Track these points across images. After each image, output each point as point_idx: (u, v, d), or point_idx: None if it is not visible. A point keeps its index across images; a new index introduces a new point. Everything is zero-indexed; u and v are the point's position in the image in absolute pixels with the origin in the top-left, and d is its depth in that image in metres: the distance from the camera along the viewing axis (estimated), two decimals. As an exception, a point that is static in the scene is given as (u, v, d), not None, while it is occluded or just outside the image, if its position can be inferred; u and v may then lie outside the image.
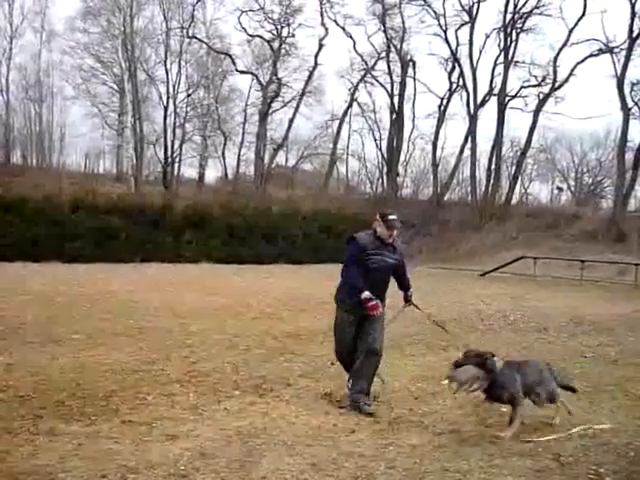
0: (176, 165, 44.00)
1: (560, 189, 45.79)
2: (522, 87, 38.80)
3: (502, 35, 38.07)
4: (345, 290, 5.83)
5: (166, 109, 41.40)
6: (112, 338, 8.62)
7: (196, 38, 41.56)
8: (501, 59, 38.31)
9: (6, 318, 9.96)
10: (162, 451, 4.27)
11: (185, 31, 41.11)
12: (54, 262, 23.03)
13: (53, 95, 44.52)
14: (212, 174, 51.56)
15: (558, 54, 36.65)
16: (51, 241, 24.04)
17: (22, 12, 43.23)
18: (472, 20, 38.60)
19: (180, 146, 42.87)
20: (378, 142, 45.46)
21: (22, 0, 57.23)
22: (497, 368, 4.81)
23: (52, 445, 4.34)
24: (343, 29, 42.80)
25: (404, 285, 6.25)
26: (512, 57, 38.03)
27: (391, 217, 5.79)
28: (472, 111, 39.03)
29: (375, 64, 43.69)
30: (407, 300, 6.32)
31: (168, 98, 41.44)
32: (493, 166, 38.91)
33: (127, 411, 5.23)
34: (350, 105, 44.97)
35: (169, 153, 41.83)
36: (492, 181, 38.84)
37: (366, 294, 5.44)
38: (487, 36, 38.98)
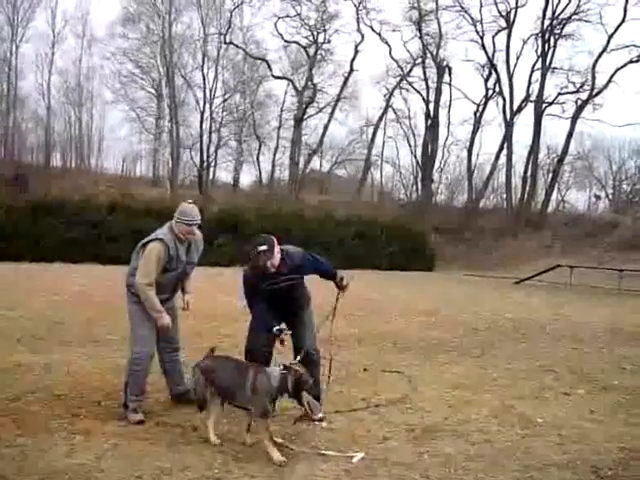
0: (211, 169, 44.51)
1: (598, 197, 45.08)
2: (560, 94, 38.46)
3: (540, 41, 37.77)
4: None
5: (202, 114, 41.89)
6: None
7: (233, 44, 42.00)
8: (538, 65, 38.01)
9: (45, 318, 10.15)
10: (196, 453, 4.29)
11: (222, 37, 41.60)
12: (92, 263, 23.41)
13: (93, 99, 45.51)
14: (247, 179, 52.09)
15: (597, 60, 36.24)
16: (89, 243, 24.46)
17: (64, 18, 44.23)
18: (509, 26, 38.34)
19: (215, 150, 43.31)
20: (413, 148, 45.41)
21: (64, 6, 58.57)
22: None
23: (88, 444, 4.39)
24: (379, 35, 42.93)
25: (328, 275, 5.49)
26: (550, 63, 37.67)
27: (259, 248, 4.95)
28: (508, 118, 38.72)
29: (411, 70, 43.68)
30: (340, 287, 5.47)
31: (205, 103, 41.95)
32: (529, 173, 38.51)
33: (161, 413, 5.27)
34: (385, 111, 44.97)
35: (205, 157, 42.28)
36: (528, 188, 38.44)
37: None
38: (524, 42, 38.78)
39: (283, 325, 5.18)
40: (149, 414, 5.18)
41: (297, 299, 5.38)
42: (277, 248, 5.04)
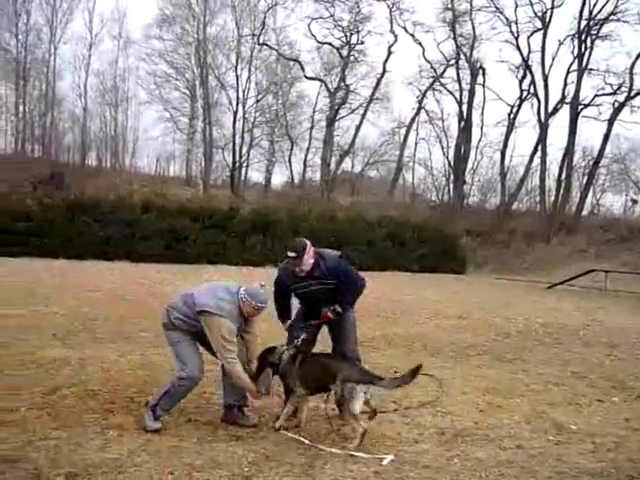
0: (243, 169, 44.74)
1: (635, 201, 44.14)
2: (596, 95, 37.85)
3: (576, 42, 37.23)
4: None
5: (235, 114, 42.15)
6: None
7: (266, 45, 42.22)
8: (574, 66, 37.44)
9: (79, 314, 10.31)
10: (227, 451, 4.32)
11: (256, 38, 41.83)
12: (125, 261, 23.72)
13: (128, 100, 46.07)
14: (278, 179, 52.19)
15: (635, 61, 35.56)
16: (122, 241, 24.79)
17: (101, 20, 44.89)
18: (545, 27, 37.87)
19: (248, 151, 43.57)
20: (445, 150, 45.14)
21: (102, 8, 59.48)
22: (285, 358, 4.99)
23: (121, 439, 4.45)
24: (412, 36, 42.78)
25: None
26: (586, 64, 37.09)
27: (289, 253, 5.09)
28: (543, 119, 38.24)
29: (444, 71, 43.46)
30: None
31: (238, 103, 42.22)
32: (564, 176, 37.97)
33: (193, 410, 5.32)
34: (418, 112, 44.79)
35: (237, 157, 42.54)
36: (562, 191, 37.91)
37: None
38: (560, 43, 38.26)
39: (303, 335, 5.23)
40: (181, 411, 5.23)
41: (330, 302, 5.30)
42: (310, 253, 5.06)
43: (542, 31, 38.09)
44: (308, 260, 5.05)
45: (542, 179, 38.91)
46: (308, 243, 5.09)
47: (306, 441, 4.59)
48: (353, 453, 4.38)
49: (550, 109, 38.39)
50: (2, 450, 4.09)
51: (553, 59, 38.59)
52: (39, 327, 8.95)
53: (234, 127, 42.33)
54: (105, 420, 4.88)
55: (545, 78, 38.10)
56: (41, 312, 10.48)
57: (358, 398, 4.61)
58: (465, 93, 42.46)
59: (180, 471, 3.93)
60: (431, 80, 43.85)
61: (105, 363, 6.79)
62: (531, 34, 38.91)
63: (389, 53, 43.00)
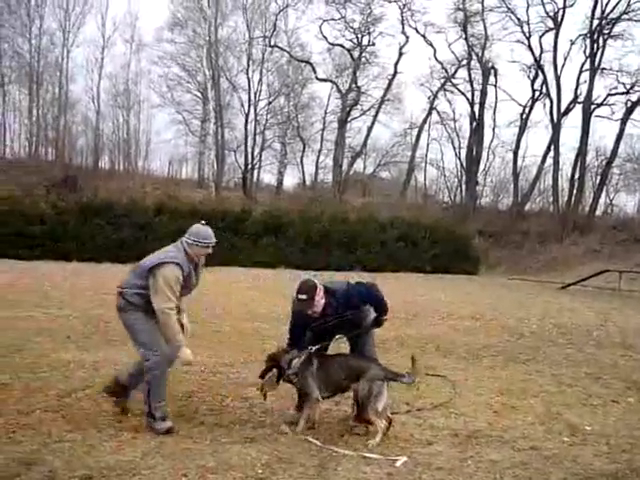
0: (255, 171, 44.80)
1: (648, 201, 43.84)
2: (609, 95, 37.59)
3: (588, 41, 36.97)
4: None
5: (247, 116, 42.22)
6: (191, 340, 8.75)
7: (278, 47, 42.24)
8: (587, 66, 37.18)
9: (92, 317, 10.37)
10: (240, 453, 4.33)
11: (267, 40, 41.87)
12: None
13: (140, 103, 46.25)
14: (290, 181, 52.17)
15: (648, 60, 35.26)
16: (135, 244, 24.84)
17: (114, 24, 45.16)
18: (557, 26, 37.66)
19: (260, 153, 43.63)
20: (457, 150, 44.99)
21: (114, 12, 59.79)
22: (294, 364, 4.97)
23: (135, 442, 4.47)
24: (424, 37, 42.65)
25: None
26: (599, 64, 36.83)
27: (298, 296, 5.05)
28: (555, 119, 38.04)
29: (456, 72, 43.32)
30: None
31: (249, 105, 42.27)
32: (577, 176, 37.74)
33: (206, 412, 5.34)
34: (429, 113, 44.69)
35: (249, 159, 42.61)
36: (575, 191, 37.67)
37: None
38: (572, 42, 37.99)
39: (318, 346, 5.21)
40: (194, 414, 5.25)
41: (351, 329, 5.31)
42: (320, 294, 5.03)
43: (554, 31, 37.88)
44: (319, 301, 5.02)
45: (555, 179, 38.70)
46: (317, 283, 5.07)
47: (319, 443, 4.59)
48: (366, 455, 4.38)
49: (562, 109, 38.17)
50: (18, 452, 4.13)
51: (565, 59, 38.36)
52: (53, 330, 9.01)
53: (246, 129, 42.42)
54: (119, 423, 4.91)
55: (557, 78, 37.90)
56: (54, 315, 10.56)
57: (384, 396, 4.78)
58: (477, 93, 42.30)
59: (193, 473, 3.94)
60: (443, 81, 43.74)
61: (118, 365, 6.81)
62: (543, 34, 38.73)
63: (400, 54, 42.95)
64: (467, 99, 42.86)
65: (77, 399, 5.49)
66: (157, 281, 4.73)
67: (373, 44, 43.19)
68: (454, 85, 43.67)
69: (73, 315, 10.48)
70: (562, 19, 37.67)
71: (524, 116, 41.23)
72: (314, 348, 5.11)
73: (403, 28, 42.64)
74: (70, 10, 42.04)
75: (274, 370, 5.02)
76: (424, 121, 45.00)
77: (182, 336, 4.78)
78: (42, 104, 42.92)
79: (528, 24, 38.79)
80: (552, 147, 38.46)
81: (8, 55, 40.49)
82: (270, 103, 43.68)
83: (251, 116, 42.32)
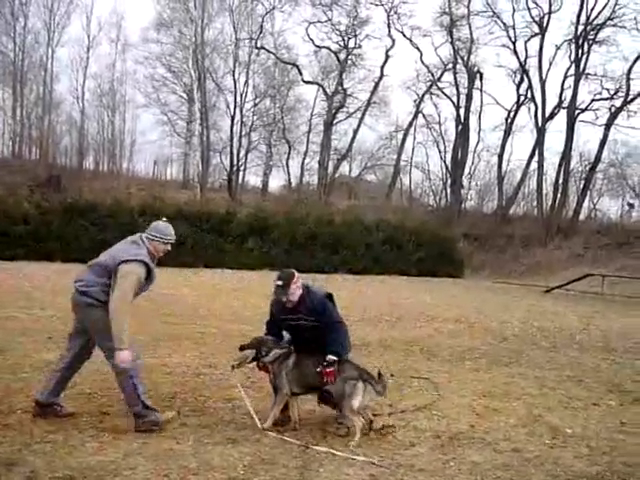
0: (241, 173, 44.76)
1: (631, 205, 44.18)
2: (593, 100, 37.90)
3: (573, 47, 37.32)
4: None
5: (233, 118, 42.13)
6: (175, 341, 8.81)
7: (264, 49, 42.23)
8: (571, 71, 37.53)
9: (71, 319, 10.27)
10: (222, 454, 4.32)
11: (254, 42, 41.82)
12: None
13: (125, 103, 46.06)
14: (276, 183, 52.19)
15: (632, 66, 35.66)
16: (119, 245, 24.72)
17: (99, 23, 44.93)
18: (542, 31, 37.97)
19: (245, 154, 43.59)
20: (443, 154, 45.19)
21: (99, 12, 59.61)
22: (271, 354, 5.07)
23: (117, 442, 4.45)
24: (410, 40, 42.84)
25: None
26: (583, 69, 37.15)
27: (276, 282, 5.13)
28: (540, 124, 38.32)
29: (441, 75, 43.59)
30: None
31: (235, 107, 42.18)
32: (561, 180, 38.03)
33: (188, 413, 5.32)
34: (415, 116, 44.88)
35: (234, 161, 42.53)
36: (559, 195, 37.97)
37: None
38: (557, 48, 38.32)
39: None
40: (177, 415, 5.23)
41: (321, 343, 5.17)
42: (297, 284, 5.09)
43: (539, 36, 38.17)
44: (295, 290, 5.08)
45: (539, 183, 38.97)
46: (296, 274, 5.14)
47: (301, 443, 4.59)
48: (349, 456, 4.39)
49: (547, 114, 38.45)
50: (0, 453, 4.10)
51: (550, 64, 38.66)
52: (35, 330, 8.94)
53: (232, 131, 42.33)
54: (101, 423, 4.89)
55: (542, 83, 38.19)
56: (37, 315, 10.49)
57: (358, 395, 4.83)
58: (462, 97, 42.55)
59: (175, 474, 3.93)
60: (428, 84, 43.94)
61: (101, 366, 6.75)
62: (528, 39, 39.01)
63: (387, 57, 43.13)
64: (453, 103, 43.13)
65: (58, 400, 5.44)
66: (121, 277, 4.70)
67: (359, 47, 43.38)
68: (440, 89, 43.91)
69: (56, 315, 10.39)
70: (547, 24, 38.02)
71: (509, 120, 41.53)
72: (287, 340, 5.21)
73: (389, 31, 42.87)
74: (55, 9, 41.85)
75: (252, 351, 5.13)
76: (410, 124, 45.18)
77: (127, 339, 4.64)
78: (26, 103, 42.64)
79: (514, 29, 39.11)
80: (537, 151, 38.73)
81: (-8, 54, 40.21)
82: (256, 105, 43.65)
83: (237, 118, 42.28)
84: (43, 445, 4.30)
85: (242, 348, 5.20)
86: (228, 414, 5.36)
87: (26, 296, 12.89)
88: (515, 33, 39.12)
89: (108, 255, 4.94)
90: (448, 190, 44.18)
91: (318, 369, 4.90)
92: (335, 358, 4.93)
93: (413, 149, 47.38)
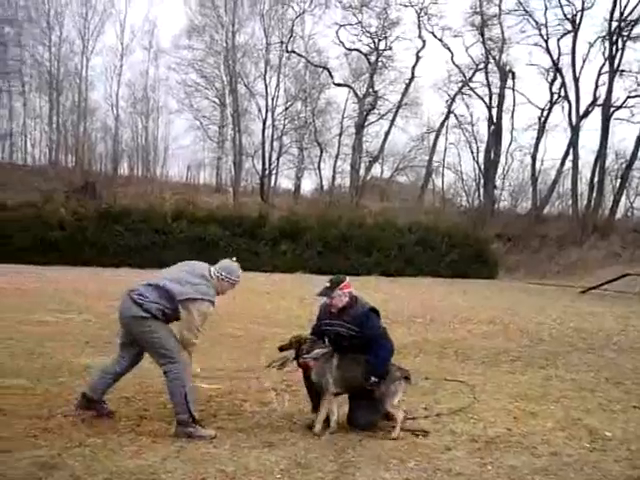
0: (273, 177, 44.94)
1: (669, 203, 43.34)
2: (628, 97, 37.29)
3: (607, 43, 36.70)
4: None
5: (264, 122, 42.34)
6: (209, 345, 8.86)
7: (295, 52, 42.38)
8: (606, 68, 36.92)
9: (111, 321, 10.39)
10: (259, 458, 4.34)
11: (284, 46, 42.01)
12: (156, 269, 23.89)
13: (159, 109, 46.59)
14: (308, 186, 52.29)
15: (668, 62, 34.92)
16: (154, 249, 25.04)
17: (132, 31, 45.57)
18: (575, 29, 37.43)
19: (277, 158, 43.78)
20: (475, 154, 44.83)
21: (132, 20, 60.44)
22: (313, 353, 5.07)
23: (155, 446, 4.50)
24: (441, 41, 42.62)
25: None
26: (618, 66, 36.55)
27: (325, 283, 5.24)
28: (574, 122, 37.77)
29: (473, 75, 43.23)
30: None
31: (267, 111, 42.41)
32: (596, 179, 37.43)
33: (225, 417, 5.36)
34: (447, 117, 44.63)
35: (266, 165, 42.74)
36: (595, 194, 37.37)
37: None
38: (591, 45, 37.75)
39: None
40: (213, 418, 5.28)
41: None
42: (344, 290, 5.13)
43: (572, 33, 37.65)
44: (341, 297, 5.12)
45: (574, 183, 38.38)
46: (347, 281, 5.20)
47: (337, 447, 4.59)
48: (388, 460, 4.37)
49: (581, 112, 37.89)
50: (40, 457, 4.16)
51: (584, 61, 38.11)
52: (73, 335, 9.09)
53: (263, 134, 42.57)
54: (138, 427, 4.94)
55: (576, 80, 37.65)
56: (75, 320, 10.65)
57: (400, 392, 5.05)
58: (495, 97, 42.16)
59: (212, 478, 3.96)
60: (460, 84, 43.65)
61: (138, 370, 6.84)
62: (561, 36, 38.51)
63: (417, 58, 42.94)
64: (485, 103, 42.78)
65: (97, 404, 5.53)
66: (192, 316, 4.82)
67: (390, 48, 43.25)
68: (471, 89, 43.58)
69: (92, 320, 10.57)
70: (580, 21, 37.48)
71: (542, 119, 41.04)
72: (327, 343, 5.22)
73: (420, 32, 42.68)
74: (89, 18, 42.55)
75: (292, 351, 5.17)
76: (441, 125, 44.94)
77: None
78: (62, 111, 43.46)
79: (546, 27, 38.64)
80: (571, 150, 38.18)
81: (28, 63, 41.02)
82: (287, 108, 43.82)
83: (268, 121, 42.50)
84: (82, 449, 4.36)
85: (282, 349, 5.24)
86: (264, 418, 5.38)
87: (62, 301, 13.12)
88: (547, 31, 38.70)
89: (175, 282, 4.94)
90: (481, 191, 43.82)
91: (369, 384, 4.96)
92: (376, 380, 4.95)
93: (445, 150, 47.14)
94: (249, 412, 5.54)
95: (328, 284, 5.14)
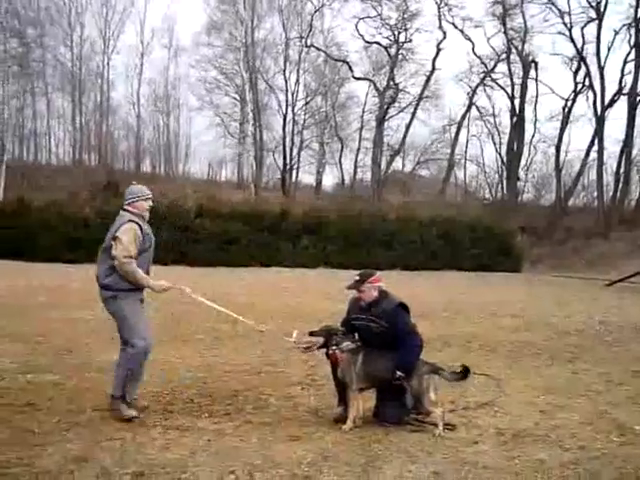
0: (294, 172, 45.02)
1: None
2: (655, 85, 36.65)
3: (633, 31, 36.17)
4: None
5: (285, 117, 42.48)
6: (234, 339, 8.95)
7: (314, 47, 42.37)
8: (632, 56, 36.42)
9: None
10: (286, 451, 4.36)
11: (304, 40, 42.07)
12: (179, 265, 24.10)
13: (180, 106, 46.95)
14: (329, 180, 52.29)
15: (695, 49, 34.37)
16: (176, 245, 25.18)
17: (152, 30, 45.93)
18: (600, 17, 36.93)
19: (298, 153, 43.86)
20: (497, 146, 44.54)
21: (152, 18, 60.83)
22: (343, 345, 5.09)
23: (183, 440, 4.55)
24: (461, 32, 42.34)
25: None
26: (644, 54, 35.97)
27: (355, 277, 5.24)
28: (599, 112, 37.32)
29: (495, 66, 42.86)
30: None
31: (287, 106, 42.54)
32: (622, 170, 36.99)
33: (251, 411, 5.39)
34: (468, 109, 44.34)
35: (288, 160, 42.85)
36: (621, 185, 36.94)
37: None
38: (616, 33, 37.26)
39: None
40: (240, 412, 5.31)
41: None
42: (373, 284, 5.15)
43: (597, 21, 37.16)
44: (371, 290, 5.14)
45: (599, 174, 37.91)
46: (377, 275, 5.22)
47: (364, 441, 4.60)
48: (415, 453, 4.37)
49: (607, 101, 37.43)
50: (71, 450, 4.23)
51: (609, 49, 37.68)
52: (101, 331, 9.18)
53: (284, 130, 42.68)
54: (167, 421, 5.00)
55: (601, 69, 37.17)
56: (98, 316, 10.71)
57: (435, 387, 5.04)
58: (517, 88, 41.81)
59: (240, 471, 3.99)
60: (482, 76, 43.31)
61: (164, 365, 6.93)
62: (585, 24, 38.02)
63: (438, 50, 42.68)
64: (507, 94, 42.43)
65: (125, 398, 5.60)
66: (117, 239, 5.06)
67: (410, 41, 43.04)
68: (493, 80, 43.23)
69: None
70: (605, 9, 37.02)
71: (566, 109, 40.62)
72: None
73: (440, 24, 42.41)
74: (109, 18, 42.96)
75: (320, 339, 5.20)
76: (463, 117, 44.68)
77: (145, 276, 5.11)
78: (85, 111, 43.97)
79: (569, 15, 38.20)
80: (596, 141, 37.74)
81: (51, 64, 41.51)
82: (307, 103, 43.86)
83: (289, 117, 42.63)
84: (112, 442, 4.43)
85: (312, 334, 5.27)
86: (290, 411, 5.41)
87: (89, 297, 13.23)
88: (571, 19, 38.26)
89: (106, 239, 5.24)
90: (504, 183, 43.54)
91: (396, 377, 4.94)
92: (403, 375, 4.93)
93: (467, 142, 46.96)
94: (275, 406, 5.58)
95: (357, 277, 5.16)
